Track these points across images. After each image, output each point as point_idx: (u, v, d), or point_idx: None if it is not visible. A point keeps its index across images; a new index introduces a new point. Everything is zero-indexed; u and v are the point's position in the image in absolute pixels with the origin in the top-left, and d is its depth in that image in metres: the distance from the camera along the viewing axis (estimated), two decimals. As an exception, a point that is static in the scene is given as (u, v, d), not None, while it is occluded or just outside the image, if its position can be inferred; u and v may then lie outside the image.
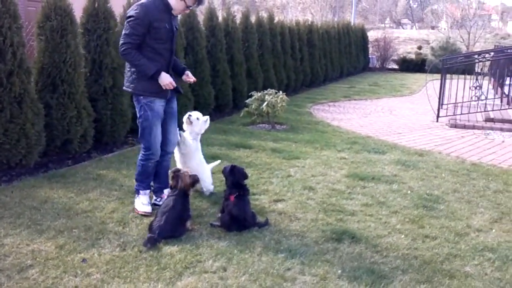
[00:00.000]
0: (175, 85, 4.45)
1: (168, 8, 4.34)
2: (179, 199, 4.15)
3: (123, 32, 4.27)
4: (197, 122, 5.02)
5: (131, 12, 4.24)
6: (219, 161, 5.59)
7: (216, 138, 7.64)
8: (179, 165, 5.01)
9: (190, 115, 5.01)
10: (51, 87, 6.13)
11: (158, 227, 3.93)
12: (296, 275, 3.44)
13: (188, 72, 4.71)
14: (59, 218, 4.27)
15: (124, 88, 4.52)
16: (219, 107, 9.98)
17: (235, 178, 4.37)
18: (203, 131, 5.15)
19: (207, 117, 5.14)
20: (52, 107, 6.08)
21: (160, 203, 4.69)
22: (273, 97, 8.60)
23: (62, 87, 6.12)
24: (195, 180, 4.33)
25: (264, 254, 3.72)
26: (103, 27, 6.73)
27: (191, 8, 4.48)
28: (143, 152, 4.56)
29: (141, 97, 4.38)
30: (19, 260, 3.52)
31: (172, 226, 3.97)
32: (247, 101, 8.86)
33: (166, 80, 4.36)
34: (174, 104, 4.67)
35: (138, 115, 4.48)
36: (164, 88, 4.38)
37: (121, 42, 4.27)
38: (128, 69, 4.41)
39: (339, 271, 3.50)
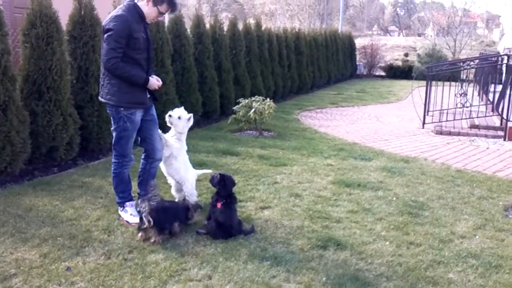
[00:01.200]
0: (160, 84, 4.49)
1: (141, 17, 4.34)
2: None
3: (106, 46, 4.19)
4: (178, 121, 4.83)
5: (110, 25, 4.18)
6: (210, 170, 5.46)
7: (203, 145, 7.65)
8: (162, 168, 4.96)
9: (170, 115, 4.82)
10: (37, 94, 6.11)
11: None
12: (281, 283, 3.45)
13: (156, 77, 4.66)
14: (43, 226, 4.24)
15: (102, 99, 4.45)
16: (206, 113, 9.99)
17: (225, 188, 4.36)
18: (186, 130, 4.96)
19: (190, 115, 4.93)
20: (38, 114, 6.05)
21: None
22: (260, 104, 8.63)
23: (48, 94, 6.10)
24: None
25: (250, 262, 3.73)
26: (89, 34, 6.72)
27: (163, 14, 4.49)
28: (117, 160, 4.53)
29: (122, 108, 4.36)
30: (2, 269, 3.50)
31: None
32: (234, 108, 8.88)
33: (153, 84, 4.42)
34: (153, 111, 4.68)
35: (114, 125, 4.45)
36: (155, 89, 4.44)
37: (107, 57, 4.19)
38: (108, 81, 4.33)
39: (324, 279, 3.52)
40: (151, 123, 4.62)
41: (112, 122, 4.48)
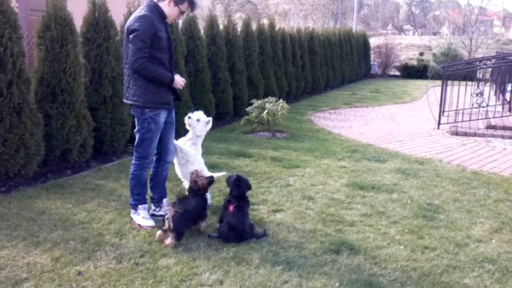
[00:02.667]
0: (184, 83, 4.56)
1: (162, 17, 4.36)
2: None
3: (133, 47, 4.19)
4: (197, 124, 4.89)
5: (135, 25, 4.18)
6: (224, 172, 5.44)
7: (216, 147, 7.63)
8: (177, 171, 4.97)
9: (189, 117, 4.87)
10: (51, 96, 6.14)
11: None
12: (293, 288, 3.41)
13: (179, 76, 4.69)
14: (55, 230, 4.25)
15: (127, 101, 4.46)
16: (219, 115, 9.97)
17: (240, 190, 4.33)
18: (204, 134, 5.01)
19: (209, 118, 4.97)
20: (51, 116, 6.07)
21: (160, 213, 4.70)
22: (273, 105, 8.59)
23: (61, 97, 6.12)
24: (211, 181, 4.45)
25: (262, 267, 3.69)
26: (103, 36, 6.73)
27: (184, 13, 4.52)
28: (137, 162, 4.52)
29: (147, 109, 4.36)
30: (14, 273, 3.50)
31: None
32: (247, 109, 8.85)
33: (179, 82, 4.48)
34: (173, 113, 4.67)
35: (138, 126, 4.45)
36: (179, 88, 4.50)
37: (134, 57, 4.19)
38: (134, 83, 4.33)
39: (337, 284, 3.47)
40: (169, 125, 4.62)
41: (136, 124, 4.49)
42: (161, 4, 4.35)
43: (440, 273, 3.69)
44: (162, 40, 4.30)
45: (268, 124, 8.76)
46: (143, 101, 4.35)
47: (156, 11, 4.31)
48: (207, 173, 5.02)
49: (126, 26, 4.32)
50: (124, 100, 4.52)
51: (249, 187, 4.41)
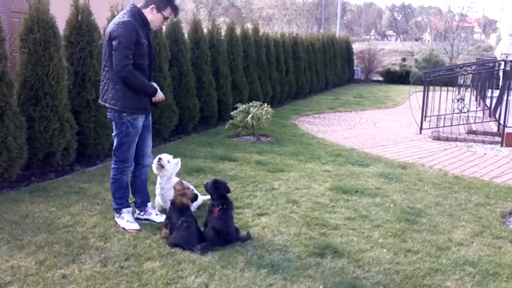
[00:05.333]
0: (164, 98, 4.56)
1: (145, 22, 4.35)
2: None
3: (118, 55, 4.15)
4: (168, 165, 4.80)
5: (119, 31, 4.15)
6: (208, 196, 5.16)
7: (201, 151, 7.64)
8: (159, 201, 4.97)
9: (160, 158, 4.77)
10: (34, 99, 6.09)
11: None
12: (278, 291, 3.43)
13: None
14: (39, 233, 4.22)
15: (105, 104, 4.43)
16: (204, 119, 9.98)
17: (219, 192, 4.36)
18: (174, 174, 4.92)
19: (178, 159, 4.93)
20: (34, 119, 6.02)
21: (144, 217, 4.69)
22: (258, 109, 8.63)
23: (44, 100, 6.08)
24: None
25: (247, 270, 3.71)
26: (86, 39, 6.70)
27: (167, 19, 4.50)
28: (117, 166, 4.50)
29: (125, 113, 4.35)
30: (-3, 277, 3.48)
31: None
32: (232, 113, 8.87)
33: (159, 96, 4.48)
34: (150, 117, 4.67)
35: (116, 130, 4.43)
36: (156, 101, 4.49)
37: (121, 65, 4.15)
38: (112, 86, 4.31)
39: (321, 287, 3.51)
40: (146, 128, 4.62)
41: (114, 128, 4.46)
42: (144, 11, 4.33)
43: (423, 276, 3.74)
44: (143, 46, 4.30)
45: (252, 128, 8.79)
46: (121, 105, 4.33)
47: (139, 17, 4.30)
48: None
49: (108, 30, 4.30)
50: (100, 102, 4.50)
51: (228, 190, 4.44)
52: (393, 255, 4.09)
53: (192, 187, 4.69)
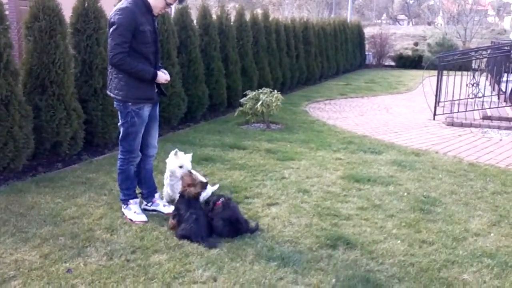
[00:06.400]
0: (169, 78, 4.37)
1: (148, 9, 4.19)
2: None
3: (111, 42, 4.05)
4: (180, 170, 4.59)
5: (115, 18, 4.04)
6: (217, 185, 5.22)
7: (210, 139, 7.53)
8: (168, 191, 4.86)
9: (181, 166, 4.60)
10: (40, 88, 6.00)
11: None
12: (289, 285, 3.32)
13: (164, 71, 4.49)
14: (45, 225, 4.14)
15: (110, 93, 4.34)
16: (213, 106, 9.85)
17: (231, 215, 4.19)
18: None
19: (190, 154, 4.77)
20: (41, 109, 5.94)
21: (151, 208, 4.60)
22: (267, 96, 8.48)
23: (51, 89, 5.99)
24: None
25: (256, 263, 3.60)
26: (93, 27, 6.59)
27: (171, 5, 4.35)
28: (123, 156, 4.40)
29: (130, 103, 4.23)
30: (1, 270, 3.40)
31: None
32: (241, 100, 8.73)
33: (162, 78, 4.30)
34: (157, 107, 4.55)
35: (122, 120, 4.32)
36: (164, 82, 4.33)
37: (112, 53, 4.05)
38: (115, 76, 4.20)
39: (333, 280, 3.39)
40: (153, 119, 4.49)
41: (120, 117, 4.36)
42: None
43: (439, 268, 3.61)
44: (145, 33, 4.14)
45: (262, 116, 8.65)
46: (124, 95, 4.22)
47: (141, 3, 4.14)
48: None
49: (108, 18, 4.19)
50: (107, 92, 4.40)
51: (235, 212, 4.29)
52: (408, 247, 3.96)
53: (201, 177, 4.58)
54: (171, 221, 4.16)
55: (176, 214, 4.15)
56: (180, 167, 4.59)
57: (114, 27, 4.04)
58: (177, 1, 4.32)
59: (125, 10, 4.05)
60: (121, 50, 4.05)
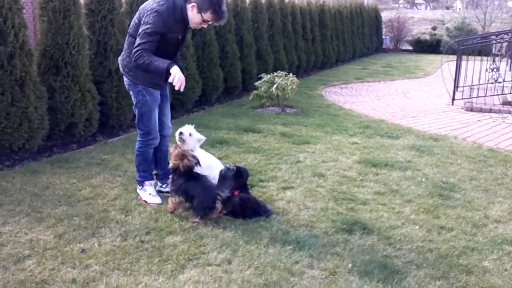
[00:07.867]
0: (183, 84, 4.05)
1: (184, 20, 4.08)
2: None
3: (140, 40, 3.97)
4: (190, 139, 4.51)
5: (150, 18, 3.94)
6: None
7: (224, 122, 7.47)
8: None
9: (181, 133, 4.48)
10: (54, 69, 5.98)
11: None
12: (304, 269, 3.27)
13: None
14: (60, 206, 4.13)
15: (122, 71, 4.32)
16: (228, 89, 9.78)
17: (242, 180, 4.24)
18: (197, 148, 4.59)
19: (203, 138, 4.67)
20: (55, 90, 5.92)
21: (166, 189, 4.56)
22: (283, 80, 8.38)
23: (65, 70, 5.96)
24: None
25: (271, 246, 3.55)
26: (107, 7, 6.52)
27: (208, 23, 4.12)
28: (142, 139, 4.36)
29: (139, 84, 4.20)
30: (16, 250, 3.39)
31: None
32: (256, 83, 8.64)
33: (179, 78, 3.98)
34: (167, 86, 4.47)
35: (134, 100, 4.28)
36: (172, 81, 4.01)
37: (137, 48, 3.98)
38: (127, 55, 4.17)
39: (350, 265, 3.33)
40: (164, 98, 4.43)
41: (132, 98, 4.32)
42: (187, 6, 4.04)
43: (458, 255, 3.53)
44: (171, 40, 4.09)
45: (277, 99, 8.56)
46: (134, 76, 4.20)
47: (179, 11, 4.02)
48: (218, 167, 4.55)
49: (143, 9, 4.05)
50: (119, 67, 4.36)
51: (248, 175, 4.37)
52: (426, 232, 3.87)
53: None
54: (171, 199, 4.05)
55: (176, 193, 4.05)
56: (190, 134, 4.51)
57: (146, 27, 3.95)
58: (213, 20, 4.09)
59: (161, 15, 3.94)
60: (146, 47, 3.97)
